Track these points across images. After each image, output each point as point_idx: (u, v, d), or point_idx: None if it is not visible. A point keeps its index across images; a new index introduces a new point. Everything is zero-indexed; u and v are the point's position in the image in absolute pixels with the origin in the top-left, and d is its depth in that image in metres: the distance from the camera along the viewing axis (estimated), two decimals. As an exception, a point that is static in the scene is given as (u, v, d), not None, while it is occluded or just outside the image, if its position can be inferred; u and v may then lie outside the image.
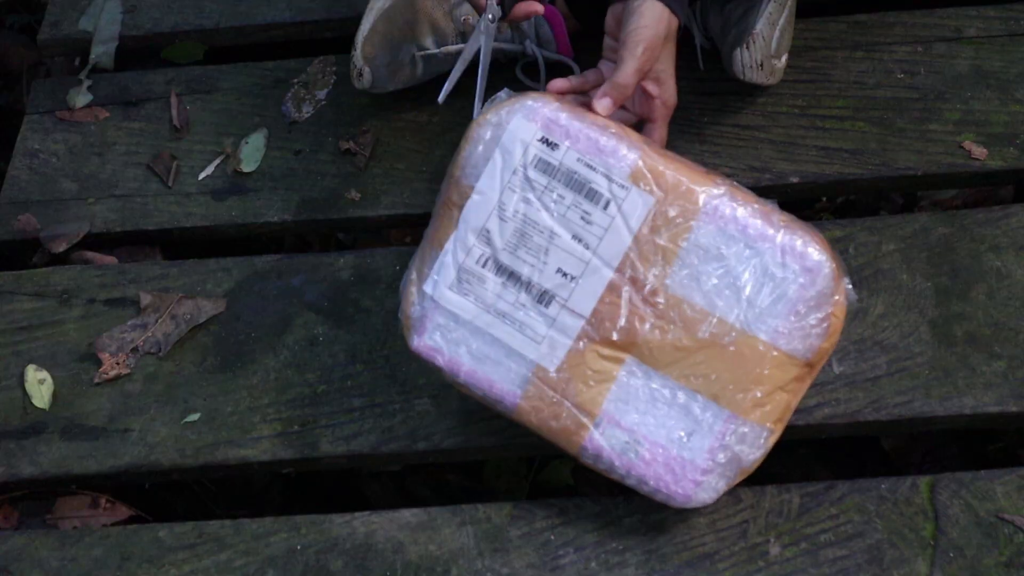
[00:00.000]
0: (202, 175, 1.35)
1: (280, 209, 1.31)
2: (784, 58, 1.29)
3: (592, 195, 1.00)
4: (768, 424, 0.99)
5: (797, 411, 1.10)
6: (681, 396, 0.99)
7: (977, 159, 1.25)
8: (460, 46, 1.31)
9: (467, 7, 1.31)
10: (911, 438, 1.30)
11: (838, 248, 1.20)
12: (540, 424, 1.02)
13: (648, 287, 0.99)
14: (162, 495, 1.29)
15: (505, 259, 1.02)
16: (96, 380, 1.19)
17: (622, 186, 0.99)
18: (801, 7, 1.33)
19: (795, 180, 1.26)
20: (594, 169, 1.00)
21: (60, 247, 1.31)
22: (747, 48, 1.25)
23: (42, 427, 1.17)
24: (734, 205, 0.98)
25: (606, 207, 1.00)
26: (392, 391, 1.16)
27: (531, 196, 1.01)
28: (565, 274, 1.01)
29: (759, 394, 0.98)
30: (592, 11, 1.25)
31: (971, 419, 1.10)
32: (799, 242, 0.97)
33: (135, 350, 1.21)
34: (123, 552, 1.10)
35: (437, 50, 1.31)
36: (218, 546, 1.09)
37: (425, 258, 1.05)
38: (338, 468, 1.16)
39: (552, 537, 1.07)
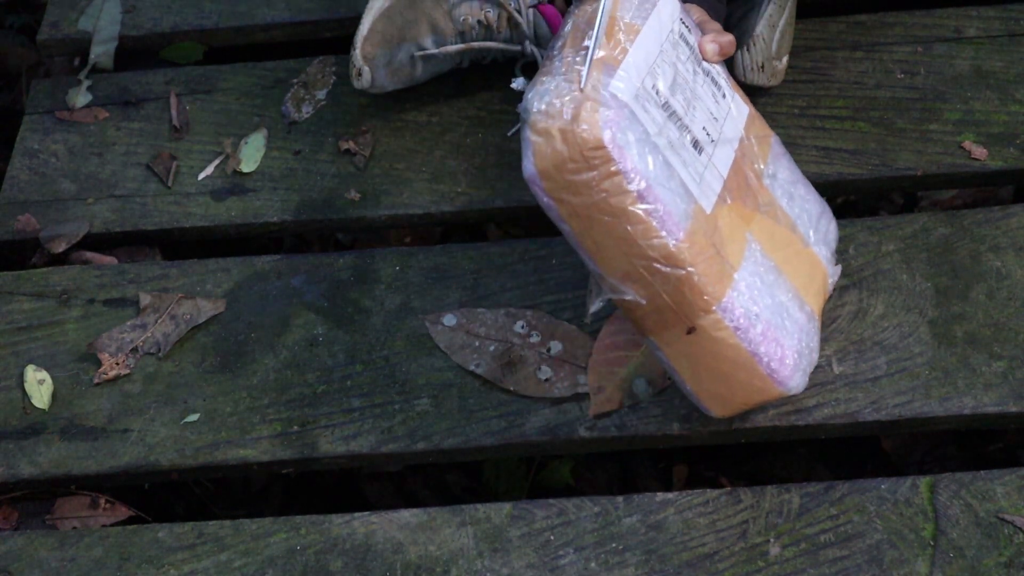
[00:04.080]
0: (202, 175, 1.35)
1: (280, 209, 1.31)
2: (785, 59, 1.29)
3: (715, 82, 1.06)
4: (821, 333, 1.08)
5: (797, 411, 1.10)
6: (783, 283, 1.04)
7: (977, 159, 1.25)
8: (460, 46, 1.31)
9: (467, 7, 1.31)
10: (911, 438, 1.30)
11: (838, 248, 1.20)
12: (692, 260, 0.97)
13: (755, 177, 1.06)
14: (162, 495, 1.29)
15: (667, 97, 1.00)
16: (96, 380, 1.19)
17: (729, 92, 1.08)
18: (801, 7, 1.33)
19: (795, 180, 1.26)
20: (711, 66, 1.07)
21: (60, 247, 1.31)
22: (748, 50, 1.25)
23: (41, 427, 1.17)
24: (786, 150, 1.14)
25: (724, 97, 1.06)
26: (392, 391, 1.16)
27: (681, 56, 1.02)
28: (707, 133, 1.02)
29: (821, 304, 1.09)
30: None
31: (971, 419, 1.10)
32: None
33: (135, 350, 1.21)
34: (123, 552, 1.10)
35: (436, 50, 1.31)
36: (218, 546, 1.09)
37: (602, 68, 0.96)
38: (338, 468, 1.16)
39: (552, 537, 1.07)
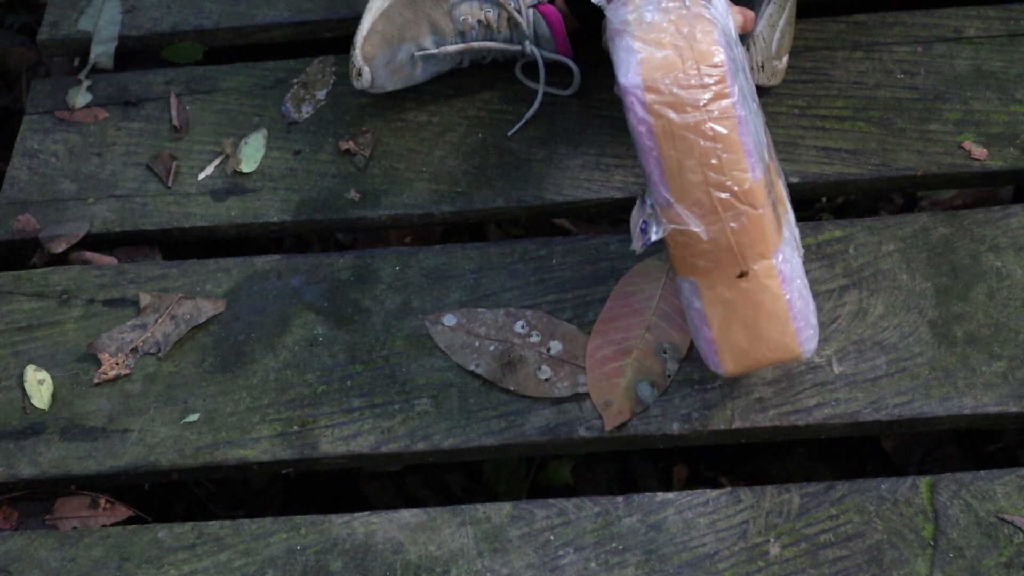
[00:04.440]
0: (202, 175, 1.35)
1: (280, 209, 1.31)
2: (785, 59, 1.29)
3: (747, 75, 1.01)
4: None
5: (797, 411, 1.10)
6: (798, 251, 1.04)
7: (977, 159, 1.25)
8: (460, 46, 1.31)
9: (466, 7, 1.31)
10: (911, 438, 1.30)
11: (838, 248, 1.20)
12: (764, 202, 0.97)
13: (771, 147, 1.06)
14: (162, 495, 1.29)
15: (735, 45, 0.99)
16: (96, 380, 1.19)
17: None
18: (801, 7, 1.33)
19: (795, 180, 1.26)
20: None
21: (59, 247, 1.31)
22: (747, 50, 1.25)
23: (41, 427, 1.17)
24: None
25: (755, 97, 1.03)
26: (392, 391, 1.16)
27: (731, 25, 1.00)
28: (753, 95, 1.01)
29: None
30: (592, 11, 1.25)
31: (971, 419, 1.10)
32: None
33: (135, 350, 1.21)
34: (123, 553, 1.10)
35: (436, 50, 1.31)
36: (218, 547, 1.09)
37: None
38: (338, 468, 1.16)
39: (552, 537, 1.07)
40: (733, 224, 0.98)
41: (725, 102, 0.94)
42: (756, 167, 0.97)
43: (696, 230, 0.98)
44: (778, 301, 1.01)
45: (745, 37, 1.25)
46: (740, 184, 0.96)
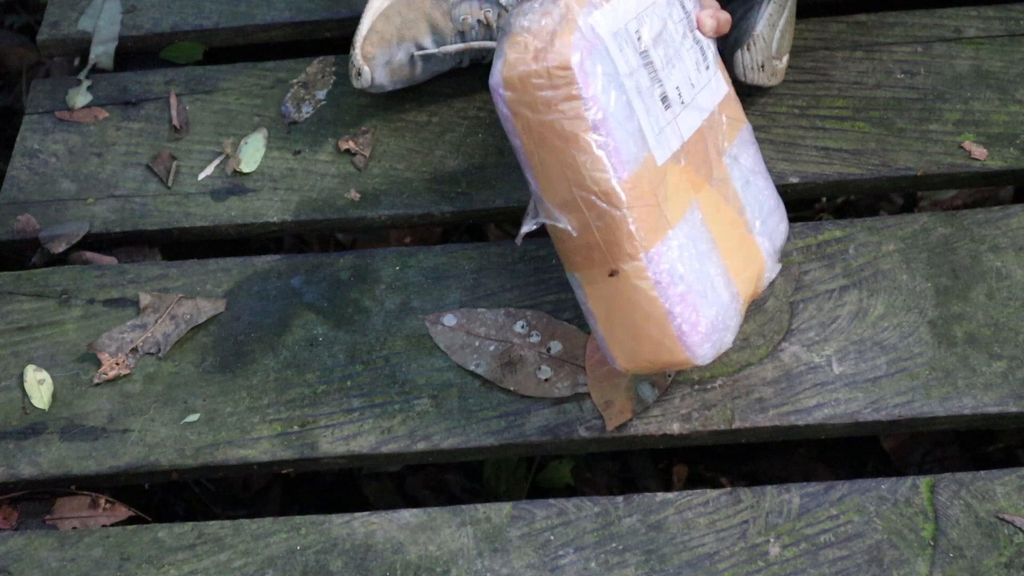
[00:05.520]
0: (201, 175, 1.35)
1: (279, 209, 1.31)
2: (785, 59, 1.29)
3: (703, 52, 1.08)
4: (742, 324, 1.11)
5: (797, 411, 1.10)
6: (715, 258, 1.05)
7: (977, 159, 1.25)
8: (459, 46, 1.31)
9: (466, 7, 1.31)
10: (911, 438, 1.30)
11: (838, 248, 1.20)
12: (630, 203, 0.99)
13: (716, 152, 1.08)
14: (162, 495, 1.29)
15: (648, 46, 1.02)
16: (96, 380, 1.19)
17: (713, 66, 1.10)
18: (801, 7, 1.33)
19: (795, 180, 1.26)
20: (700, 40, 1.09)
21: (59, 247, 1.31)
22: (748, 50, 1.25)
23: (41, 427, 1.17)
24: (756, 141, 1.15)
25: (707, 68, 1.09)
26: (392, 391, 1.16)
27: (674, 16, 1.05)
28: (679, 94, 1.04)
29: (750, 292, 1.09)
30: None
31: (971, 419, 1.10)
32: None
33: (135, 350, 1.21)
34: (123, 553, 1.10)
35: (436, 50, 1.31)
36: (218, 547, 1.09)
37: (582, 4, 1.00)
38: (338, 468, 1.16)
39: (552, 537, 1.07)
40: (599, 223, 0.99)
41: (575, 104, 0.96)
42: (621, 167, 0.98)
43: (565, 227, 1.00)
44: (652, 302, 1.01)
45: (727, 38, 1.25)
46: (599, 184, 0.98)
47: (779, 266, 1.14)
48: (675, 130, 1.04)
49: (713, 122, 1.09)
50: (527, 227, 1.03)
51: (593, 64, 0.97)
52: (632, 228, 0.99)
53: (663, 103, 1.03)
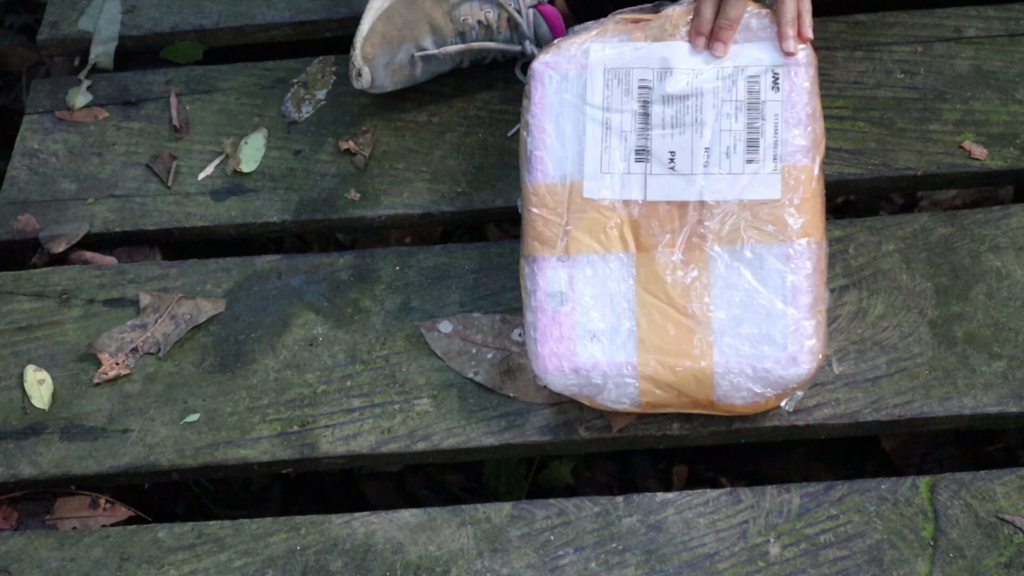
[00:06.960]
0: (202, 175, 1.35)
1: (280, 209, 1.31)
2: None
3: (752, 146, 1.08)
4: None
5: (797, 411, 1.10)
6: (630, 317, 1.07)
7: (977, 159, 1.25)
8: (460, 47, 1.31)
9: (466, 7, 1.31)
10: (911, 438, 1.30)
11: (838, 248, 1.20)
12: (537, 204, 1.10)
13: (696, 234, 1.07)
14: (162, 495, 1.29)
15: (653, 101, 1.09)
16: (95, 380, 1.19)
17: (764, 163, 1.08)
18: (801, 7, 1.33)
19: (795, 180, 1.25)
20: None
21: (59, 247, 1.31)
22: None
23: (41, 427, 1.17)
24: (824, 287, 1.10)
25: (748, 162, 1.08)
26: (392, 391, 1.16)
27: (723, 94, 1.09)
28: (672, 161, 1.08)
29: (667, 378, 1.07)
30: (592, 11, 1.25)
31: (971, 419, 1.10)
32: None
33: (135, 350, 1.21)
34: (122, 553, 1.10)
35: (436, 50, 1.31)
36: (218, 547, 1.09)
37: (613, 31, 1.12)
38: (338, 468, 1.16)
39: (552, 537, 1.07)
40: (523, 210, 1.12)
41: (525, 101, 1.13)
42: (537, 173, 1.10)
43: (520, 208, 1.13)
44: (525, 301, 1.10)
45: None
46: (524, 179, 1.12)
47: (770, 398, 1.06)
48: (637, 183, 1.08)
49: (716, 211, 1.06)
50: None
51: (552, 79, 1.11)
52: (532, 227, 1.09)
53: (636, 154, 1.08)
